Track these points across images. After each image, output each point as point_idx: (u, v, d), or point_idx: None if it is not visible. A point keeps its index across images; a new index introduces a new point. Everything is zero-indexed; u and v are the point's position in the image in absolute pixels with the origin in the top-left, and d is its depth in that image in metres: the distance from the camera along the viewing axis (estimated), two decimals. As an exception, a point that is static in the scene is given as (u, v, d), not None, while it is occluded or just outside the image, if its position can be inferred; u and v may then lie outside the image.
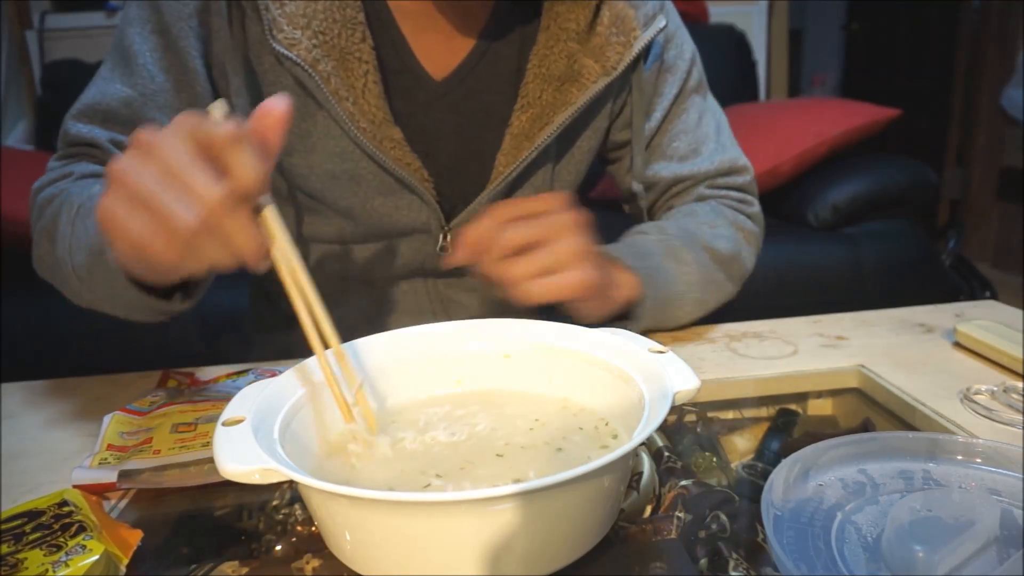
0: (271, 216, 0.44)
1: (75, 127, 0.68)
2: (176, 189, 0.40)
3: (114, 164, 0.42)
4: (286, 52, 0.64)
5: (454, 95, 0.72)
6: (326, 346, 0.47)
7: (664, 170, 0.81)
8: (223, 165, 0.40)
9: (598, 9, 0.71)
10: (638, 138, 0.78)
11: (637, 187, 0.80)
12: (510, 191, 0.74)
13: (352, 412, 0.48)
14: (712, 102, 0.83)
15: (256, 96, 0.69)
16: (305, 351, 0.47)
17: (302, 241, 0.76)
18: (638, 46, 0.71)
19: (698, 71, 0.81)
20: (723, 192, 0.83)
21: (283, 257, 0.45)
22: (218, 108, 0.43)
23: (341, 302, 0.73)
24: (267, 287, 0.86)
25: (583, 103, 0.70)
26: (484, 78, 0.73)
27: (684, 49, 0.79)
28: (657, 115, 0.79)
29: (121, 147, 0.67)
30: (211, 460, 0.40)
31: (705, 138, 0.81)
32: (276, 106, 0.42)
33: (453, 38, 0.71)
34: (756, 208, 0.84)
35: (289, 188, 0.72)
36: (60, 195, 0.64)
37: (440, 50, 0.71)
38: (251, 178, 0.40)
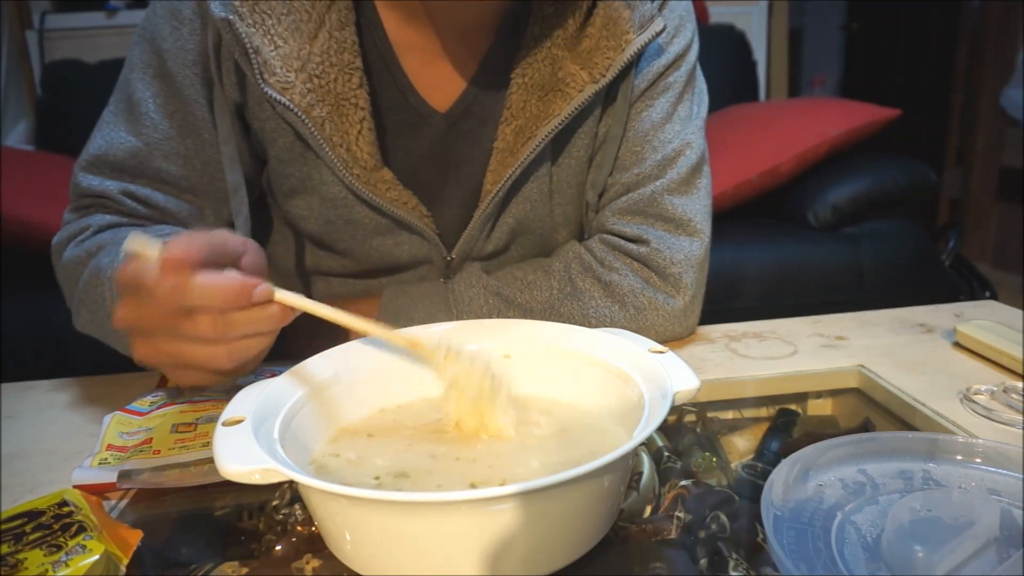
0: (281, 296, 0.48)
1: (86, 179, 0.67)
2: (190, 338, 0.46)
3: (118, 321, 0.47)
4: (278, 96, 0.61)
5: (460, 125, 0.70)
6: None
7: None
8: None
9: (591, 11, 0.66)
10: (605, 146, 0.72)
11: (591, 197, 0.74)
12: (502, 208, 0.71)
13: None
14: (698, 139, 0.73)
15: (256, 142, 0.68)
16: (304, 353, 0.48)
17: (309, 274, 0.75)
18: (629, 51, 0.65)
19: (690, 104, 0.73)
20: (619, 244, 0.71)
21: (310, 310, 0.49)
22: (137, 244, 0.46)
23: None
24: None
25: (567, 115, 0.66)
26: (488, 103, 0.70)
27: (684, 71, 0.72)
28: (632, 132, 0.71)
29: (133, 197, 0.67)
30: (211, 460, 0.40)
31: (652, 151, 0.71)
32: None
33: (456, 68, 0.69)
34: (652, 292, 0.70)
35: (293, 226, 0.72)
36: (90, 261, 0.64)
37: (443, 82, 0.69)
38: (223, 300, 0.45)
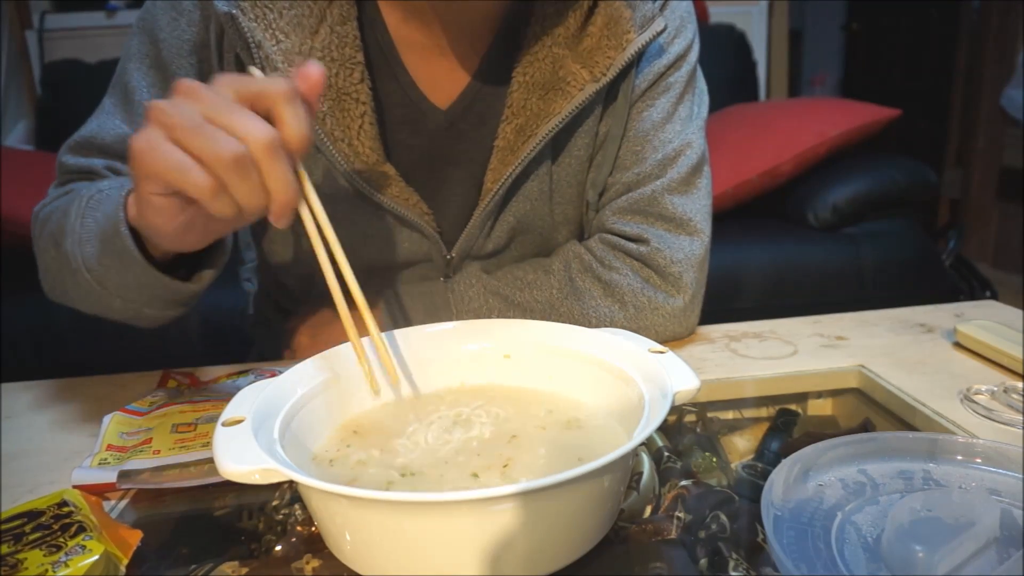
0: (304, 176, 0.45)
1: (72, 159, 0.67)
2: (219, 126, 0.41)
3: (154, 102, 0.42)
4: None
5: (460, 122, 0.70)
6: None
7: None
8: (272, 118, 0.42)
9: (592, 11, 0.67)
10: (605, 146, 0.72)
11: (591, 197, 0.74)
12: (502, 206, 0.71)
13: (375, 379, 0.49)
14: (698, 139, 0.73)
15: None
16: (304, 354, 0.48)
17: (308, 271, 0.75)
18: (630, 51, 0.65)
19: (691, 104, 0.73)
20: (620, 244, 0.71)
21: (310, 216, 0.46)
22: (257, 71, 0.46)
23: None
24: (275, 296, 0.85)
25: (568, 114, 0.66)
26: (489, 101, 0.70)
27: (684, 72, 0.72)
28: (633, 131, 0.72)
29: (119, 173, 0.67)
30: (211, 460, 0.40)
31: (652, 151, 0.71)
32: (313, 71, 0.44)
33: (457, 65, 0.69)
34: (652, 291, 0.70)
35: None
36: (64, 202, 0.63)
37: (444, 79, 0.69)
38: (302, 131, 0.42)
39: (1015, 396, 0.58)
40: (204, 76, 0.66)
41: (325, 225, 0.47)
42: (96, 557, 0.40)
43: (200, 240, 0.51)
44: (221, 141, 0.40)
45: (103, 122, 0.68)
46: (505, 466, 0.44)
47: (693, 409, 0.64)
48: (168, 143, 0.41)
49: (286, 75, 0.44)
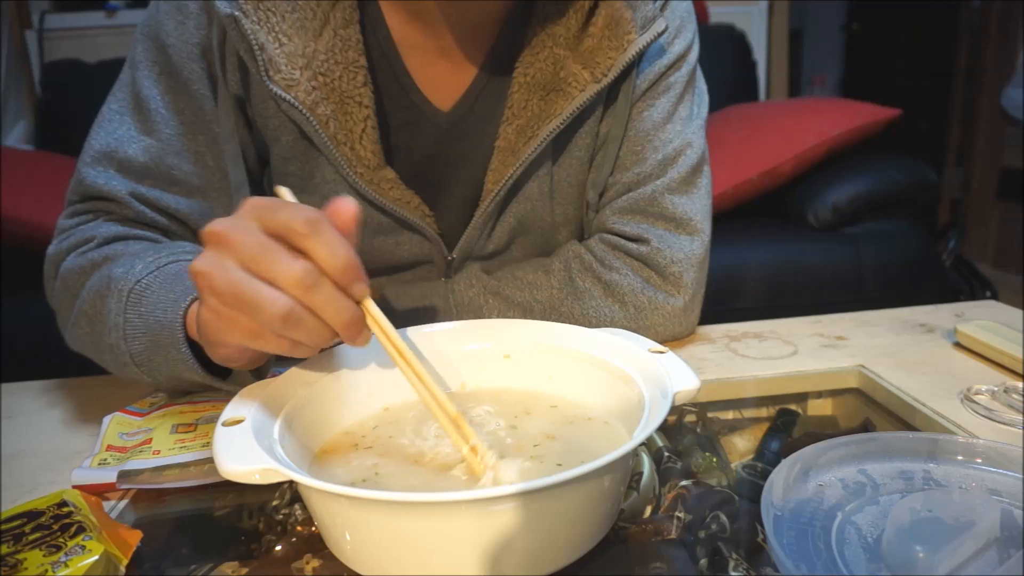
0: (370, 306, 0.46)
1: (91, 174, 0.65)
2: (259, 280, 0.42)
3: (195, 266, 0.43)
4: (283, 94, 0.61)
5: (462, 124, 0.70)
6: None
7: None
8: (301, 248, 0.42)
9: (593, 11, 0.67)
10: (606, 146, 0.72)
11: (592, 197, 0.74)
12: (503, 207, 0.71)
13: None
14: (698, 139, 0.73)
15: (259, 139, 0.68)
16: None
17: None
18: (631, 51, 0.65)
19: (691, 104, 0.74)
20: (619, 244, 0.71)
21: (388, 340, 0.46)
22: (286, 192, 0.46)
23: None
24: None
25: (569, 114, 0.66)
26: (490, 102, 0.70)
27: (685, 72, 0.72)
28: (633, 131, 0.72)
29: (143, 200, 0.65)
30: (211, 460, 0.40)
31: (652, 152, 0.71)
32: (346, 208, 0.45)
33: (459, 67, 0.69)
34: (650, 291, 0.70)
35: None
36: (96, 272, 0.61)
37: (445, 80, 0.69)
38: (336, 257, 0.42)
39: (1015, 396, 0.58)
40: (211, 81, 0.66)
41: (397, 341, 0.46)
42: (96, 557, 0.40)
43: (257, 363, 0.53)
44: (268, 299, 0.41)
45: (116, 132, 0.66)
46: (500, 465, 0.44)
47: (693, 409, 0.64)
48: (228, 320, 0.43)
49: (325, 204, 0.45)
